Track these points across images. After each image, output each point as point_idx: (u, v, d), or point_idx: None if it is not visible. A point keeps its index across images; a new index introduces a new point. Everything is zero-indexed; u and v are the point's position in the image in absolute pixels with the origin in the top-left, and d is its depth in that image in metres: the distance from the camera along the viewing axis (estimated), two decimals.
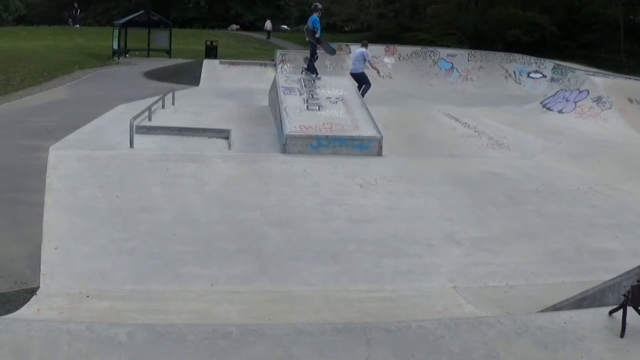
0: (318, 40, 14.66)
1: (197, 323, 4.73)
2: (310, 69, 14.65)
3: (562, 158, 11.57)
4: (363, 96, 14.28)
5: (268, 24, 42.32)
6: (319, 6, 14.71)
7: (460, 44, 30.10)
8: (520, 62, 23.57)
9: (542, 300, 5.39)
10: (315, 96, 12.98)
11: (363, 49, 16.53)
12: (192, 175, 9.29)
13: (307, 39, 14.95)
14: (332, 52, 17.45)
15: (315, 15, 14.49)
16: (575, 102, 15.96)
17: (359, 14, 40.08)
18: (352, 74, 16.04)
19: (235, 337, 3.44)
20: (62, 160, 9.56)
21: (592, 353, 3.41)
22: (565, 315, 3.90)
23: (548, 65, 22.46)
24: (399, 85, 21.80)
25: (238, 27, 46.37)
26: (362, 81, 15.64)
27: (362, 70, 16.00)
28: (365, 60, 16.20)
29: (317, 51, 14.93)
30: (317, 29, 14.39)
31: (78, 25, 43.39)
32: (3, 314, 4.96)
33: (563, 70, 21.08)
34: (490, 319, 3.83)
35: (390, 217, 8.08)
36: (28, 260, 6.17)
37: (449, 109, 15.42)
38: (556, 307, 4.80)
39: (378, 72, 17.37)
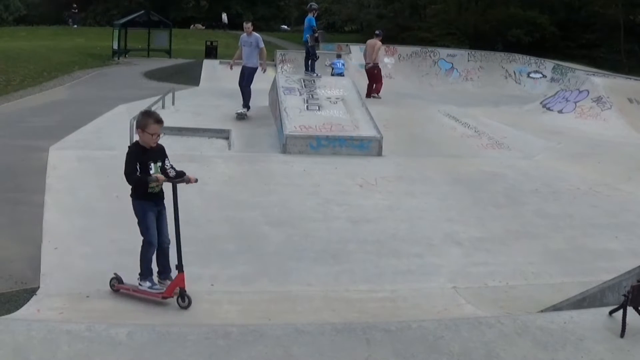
0: (316, 39, 14.77)
1: (197, 323, 4.74)
2: (312, 68, 14.71)
3: (562, 158, 11.57)
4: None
5: (224, 17, 42.79)
6: (315, 6, 14.82)
7: (460, 44, 30.10)
8: (520, 62, 23.58)
9: (542, 300, 5.39)
10: (315, 96, 12.99)
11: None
12: (192, 175, 9.28)
13: (310, 44, 14.98)
14: (323, 39, 17.78)
15: (310, 15, 14.60)
16: (575, 102, 15.98)
17: (358, 13, 40.09)
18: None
19: (235, 337, 3.44)
20: (62, 160, 9.56)
21: (592, 353, 3.41)
22: (565, 315, 3.91)
23: (548, 65, 22.47)
24: (399, 85, 21.79)
25: (203, 27, 46.20)
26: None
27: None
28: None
29: (317, 50, 15.02)
30: (315, 27, 14.56)
31: (76, 26, 43.38)
32: (3, 314, 4.96)
33: (563, 70, 21.09)
34: (490, 319, 3.83)
35: (390, 217, 8.08)
36: (28, 260, 6.16)
37: (449, 109, 15.42)
38: (556, 307, 4.80)
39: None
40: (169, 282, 5.44)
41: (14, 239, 6.66)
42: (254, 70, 13.41)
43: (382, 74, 18.53)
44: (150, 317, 5.08)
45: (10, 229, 6.93)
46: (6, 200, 7.79)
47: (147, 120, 5.35)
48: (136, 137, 5.57)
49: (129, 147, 5.54)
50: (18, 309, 5.15)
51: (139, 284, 5.44)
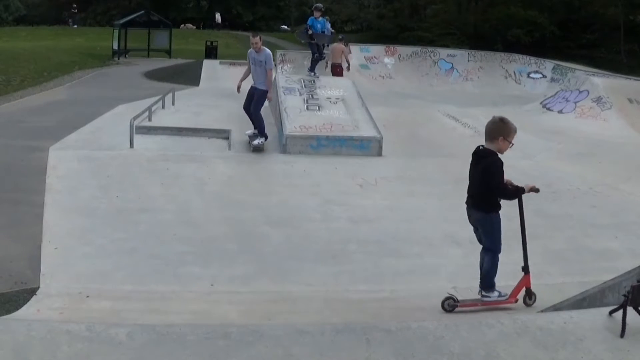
0: (311, 37, 14.76)
1: (197, 323, 4.73)
2: (312, 68, 14.75)
3: (562, 158, 11.57)
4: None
5: (217, 17, 43.40)
6: (318, 6, 14.84)
7: (460, 44, 30.08)
8: (520, 62, 23.57)
9: (542, 300, 5.39)
10: (315, 96, 13.00)
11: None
12: (192, 175, 9.30)
13: (303, 41, 15.16)
14: (329, 40, 17.62)
15: (312, 17, 14.68)
16: (575, 103, 15.97)
17: (359, 13, 40.13)
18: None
19: (235, 338, 3.44)
20: (62, 160, 9.57)
21: (592, 353, 3.41)
22: (565, 315, 3.90)
23: (548, 65, 22.45)
24: (399, 85, 21.81)
25: (194, 27, 46.33)
26: None
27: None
28: None
29: (319, 50, 15.05)
30: (308, 26, 14.61)
31: (76, 26, 43.40)
32: (3, 314, 4.96)
33: (563, 71, 21.08)
34: (490, 319, 3.83)
35: (390, 217, 8.08)
36: (28, 260, 6.17)
37: (449, 109, 15.42)
38: (556, 307, 4.79)
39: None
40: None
41: (14, 239, 6.66)
42: (266, 93, 10.84)
43: (381, 74, 20.05)
44: (150, 317, 5.08)
45: (10, 229, 6.93)
46: (6, 200, 7.79)
47: (511, 128, 5.23)
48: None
49: (492, 158, 5.33)
50: (18, 309, 5.15)
51: (483, 296, 5.37)
